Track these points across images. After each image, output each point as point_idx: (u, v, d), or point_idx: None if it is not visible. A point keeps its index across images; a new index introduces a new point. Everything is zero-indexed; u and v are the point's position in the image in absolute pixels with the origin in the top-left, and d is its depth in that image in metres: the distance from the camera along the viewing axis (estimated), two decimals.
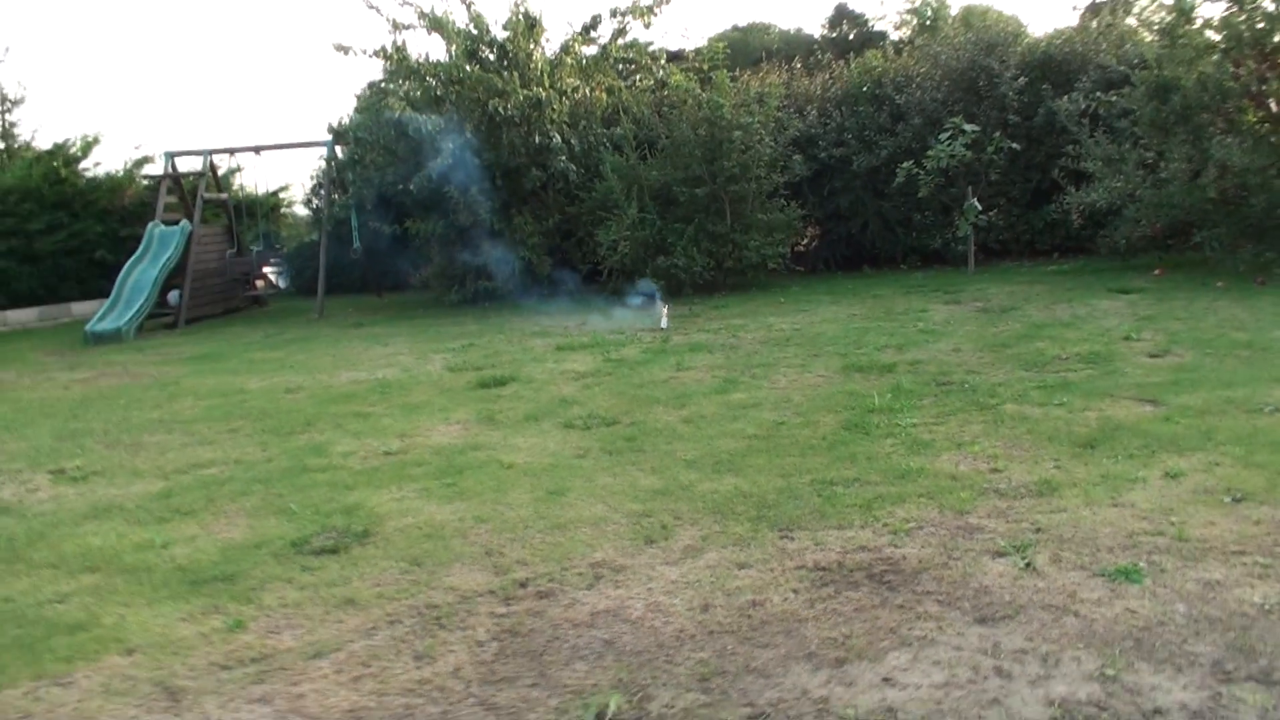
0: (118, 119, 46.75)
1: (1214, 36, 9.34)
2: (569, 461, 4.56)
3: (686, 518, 3.64)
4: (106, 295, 12.67)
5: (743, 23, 38.89)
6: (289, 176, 40.27)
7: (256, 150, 14.32)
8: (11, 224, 14.39)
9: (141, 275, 12.62)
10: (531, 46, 11.97)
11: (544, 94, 11.49)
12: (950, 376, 5.77)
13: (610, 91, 12.70)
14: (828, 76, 13.62)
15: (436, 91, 11.90)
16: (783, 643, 2.60)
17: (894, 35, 34.62)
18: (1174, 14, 9.52)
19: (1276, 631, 2.46)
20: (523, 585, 3.12)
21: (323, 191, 14.70)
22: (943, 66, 12.38)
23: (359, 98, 16.78)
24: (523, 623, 2.85)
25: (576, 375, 6.77)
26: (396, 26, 12.05)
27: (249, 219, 15.43)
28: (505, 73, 11.58)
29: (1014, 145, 11.36)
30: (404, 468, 4.65)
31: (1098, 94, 10.80)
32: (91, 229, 14.98)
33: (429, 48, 31.67)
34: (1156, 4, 10.28)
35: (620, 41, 12.68)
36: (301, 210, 18.23)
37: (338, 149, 13.84)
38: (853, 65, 13.59)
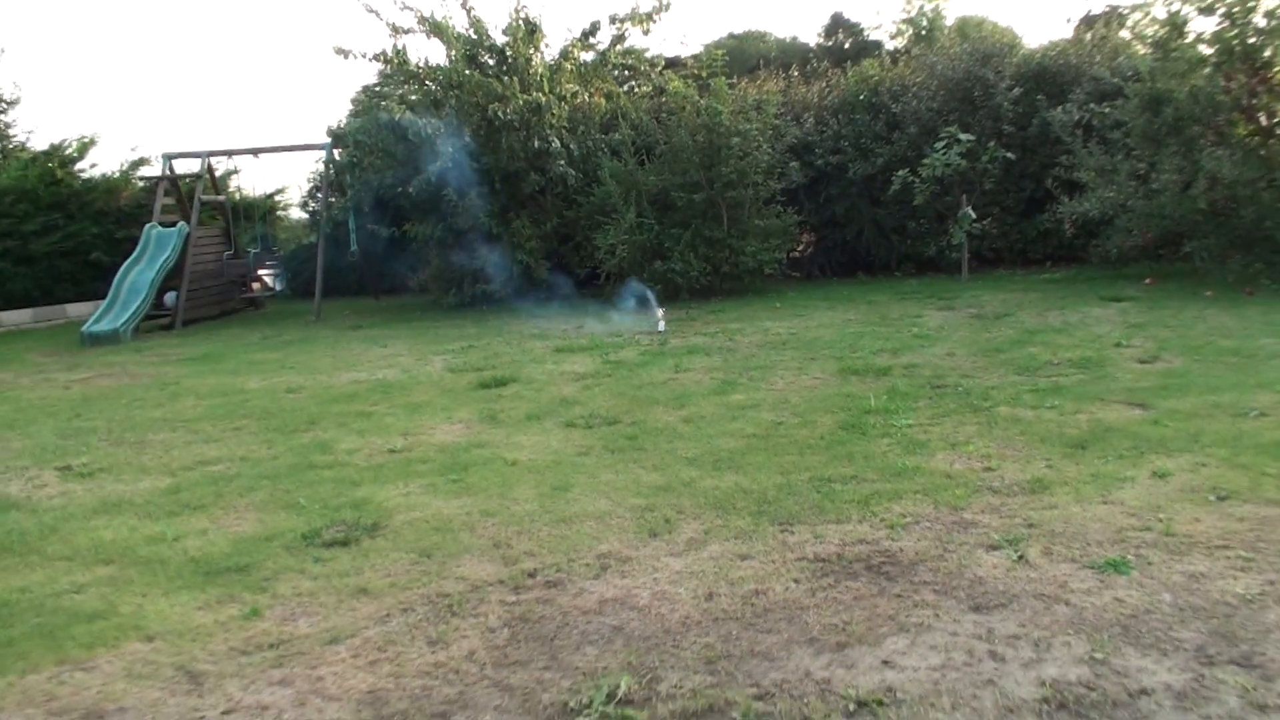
0: (114, 120, 46.82)
1: (1206, 50, 9.47)
2: (572, 459, 4.64)
3: (689, 512, 3.73)
4: (102, 297, 12.71)
5: (739, 31, 39.20)
6: (286, 179, 40.32)
7: (254, 153, 14.38)
8: (7, 225, 14.41)
9: (138, 276, 12.66)
10: (531, 52, 12.06)
11: (543, 99, 11.58)
12: (944, 380, 5.88)
13: (609, 97, 12.80)
14: (825, 85, 13.75)
15: (436, 95, 12.00)
16: (785, 629, 2.69)
17: (889, 45, 34.93)
18: (1167, 28, 9.65)
19: (1257, 619, 2.57)
20: (531, 575, 3.21)
21: (320, 194, 14.75)
22: (939, 76, 12.52)
23: (354, 102, 16.86)
24: (533, 610, 2.93)
25: (576, 376, 6.86)
26: (396, 31, 12.15)
27: (246, 221, 15.48)
28: (505, 77, 11.68)
29: (1008, 155, 11.50)
30: (409, 464, 4.73)
31: (1091, 105, 10.93)
32: (87, 230, 15.01)
33: (429, 52, 31.82)
34: (1150, 17, 10.42)
35: (619, 48, 12.81)
36: (298, 213, 18.31)
37: (336, 152, 13.90)
38: (850, 74, 13.73)
